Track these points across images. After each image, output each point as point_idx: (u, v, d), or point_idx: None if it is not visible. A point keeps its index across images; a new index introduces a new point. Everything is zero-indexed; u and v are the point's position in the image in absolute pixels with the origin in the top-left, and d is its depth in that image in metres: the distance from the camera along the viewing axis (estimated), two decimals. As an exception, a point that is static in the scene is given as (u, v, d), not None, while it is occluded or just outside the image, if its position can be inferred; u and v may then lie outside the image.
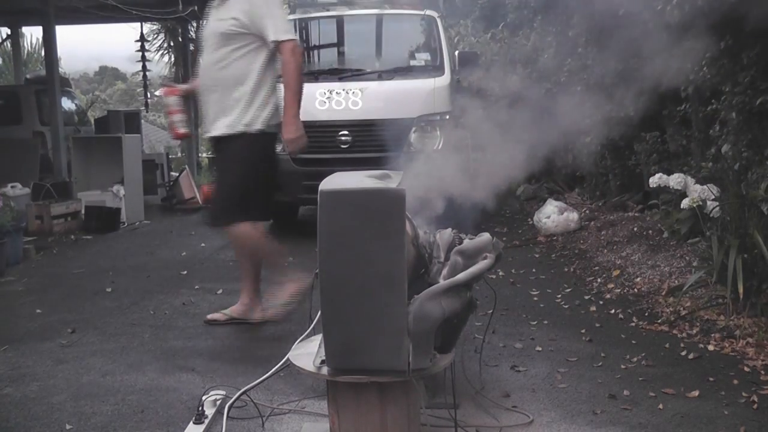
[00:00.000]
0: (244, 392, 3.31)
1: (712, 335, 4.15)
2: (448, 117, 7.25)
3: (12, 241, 6.67)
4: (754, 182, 5.01)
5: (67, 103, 12.30)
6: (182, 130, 4.73)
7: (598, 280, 5.57)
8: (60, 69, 12.83)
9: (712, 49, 5.48)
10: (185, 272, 6.23)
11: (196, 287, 5.69)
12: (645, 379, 3.60)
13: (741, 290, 4.14)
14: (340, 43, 8.12)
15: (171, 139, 25.58)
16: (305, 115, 7.28)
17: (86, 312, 5.06)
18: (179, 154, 18.06)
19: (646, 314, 4.66)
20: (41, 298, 5.47)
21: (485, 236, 3.12)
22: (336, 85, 7.31)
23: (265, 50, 4.37)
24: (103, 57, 61.72)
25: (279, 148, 7.28)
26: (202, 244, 7.49)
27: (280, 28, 4.32)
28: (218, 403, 3.28)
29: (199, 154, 19.27)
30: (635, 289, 5.18)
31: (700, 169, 6.00)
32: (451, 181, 4.17)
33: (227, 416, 3.18)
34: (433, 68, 7.56)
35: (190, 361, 4.01)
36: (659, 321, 4.49)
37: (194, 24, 15.88)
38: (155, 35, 19.30)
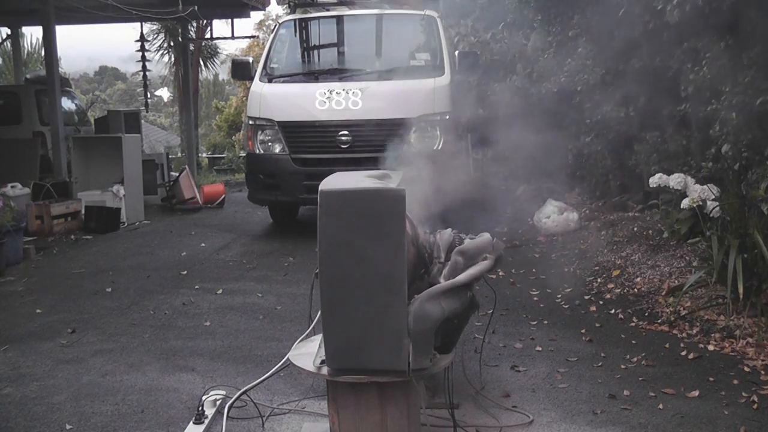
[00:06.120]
0: (244, 392, 3.31)
1: (712, 335, 4.15)
2: (448, 117, 7.24)
3: (12, 241, 6.67)
4: (754, 182, 5.01)
5: (67, 103, 12.27)
6: None
7: (598, 280, 5.56)
8: (60, 69, 12.82)
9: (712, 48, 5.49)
10: (185, 272, 6.23)
11: (196, 287, 5.69)
12: (645, 379, 3.60)
13: (741, 290, 4.14)
14: (340, 43, 8.12)
15: (171, 139, 25.64)
16: (305, 115, 7.38)
17: (86, 312, 5.06)
18: (179, 154, 18.05)
19: (646, 314, 4.66)
20: (41, 298, 5.47)
21: (485, 236, 3.12)
22: (336, 85, 7.31)
23: None
24: (103, 57, 61.80)
25: (278, 148, 7.37)
26: (202, 244, 7.49)
27: None
28: (218, 403, 3.28)
29: (199, 154, 19.29)
30: (635, 289, 5.18)
31: (700, 169, 6.00)
32: (452, 180, 4.17)
33: (227, 416, 3.18)
34: (433, 68, 7.56)
35: (190, 361, 4.01)
36: (659, 321, 4.49)
37: (194, 24, 15.91)
38: (155, 35, 19.35)
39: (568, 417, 3.20)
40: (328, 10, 8.51)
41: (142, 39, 16.27)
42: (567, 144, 7.94)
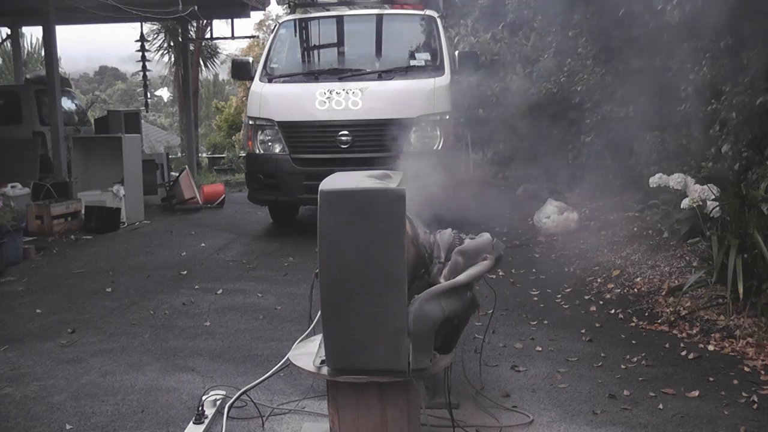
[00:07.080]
0: (244, 392, 3.31)
1: (712, 335, 4.15)
2: (448, 117, 7.25)
3: (12, 241, 6.67)
4: (754, 182, 5.01)
5: (67, 103, 12.27)
6: None
7: (598, 280, 5.56)
8: (60, 69, 12.82)
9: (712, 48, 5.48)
10: (185, 272, 6.23)
11: (196, 287, 5.69)
12: (645, 379, 3.60)
13: (741, 290, 4.15)
14: (340, 43, 8.11)
15: (171, 139, 25.63)
16: (305, 115, 7.38)
17: (86, 312, 5.06)
18: (179, 154, 18.05)
19: (646, 314, 4.66)
20: (41, 298, 5.47)
21: (485, 236, 3.12)
22: (336, 85, 7.31)
23: None
24: (103, 57, 61.77)
25: (278, 148, 7.37)
26: (202, 244, 7.49)
27: None
28: (218, 403, 3.28)
29: (199, 154, 19.29)
30: (635, 289, 5.18)
31: (700, 169, 6.00)
32: (451, 180, 4.17)
33: (227, 416, 3.18)
34: (433, 68, 7.55)
35: (190, 361, 4.01)
36: (659, 321, 4.49)
37: (194, 24, 15.91)
38: (155, 35, 19.35)
39: (568, 417, 3.20)
40: (328, 10, 8.51)
41: (142, 39, 16.27)
42: (567, 143, 7.95)
